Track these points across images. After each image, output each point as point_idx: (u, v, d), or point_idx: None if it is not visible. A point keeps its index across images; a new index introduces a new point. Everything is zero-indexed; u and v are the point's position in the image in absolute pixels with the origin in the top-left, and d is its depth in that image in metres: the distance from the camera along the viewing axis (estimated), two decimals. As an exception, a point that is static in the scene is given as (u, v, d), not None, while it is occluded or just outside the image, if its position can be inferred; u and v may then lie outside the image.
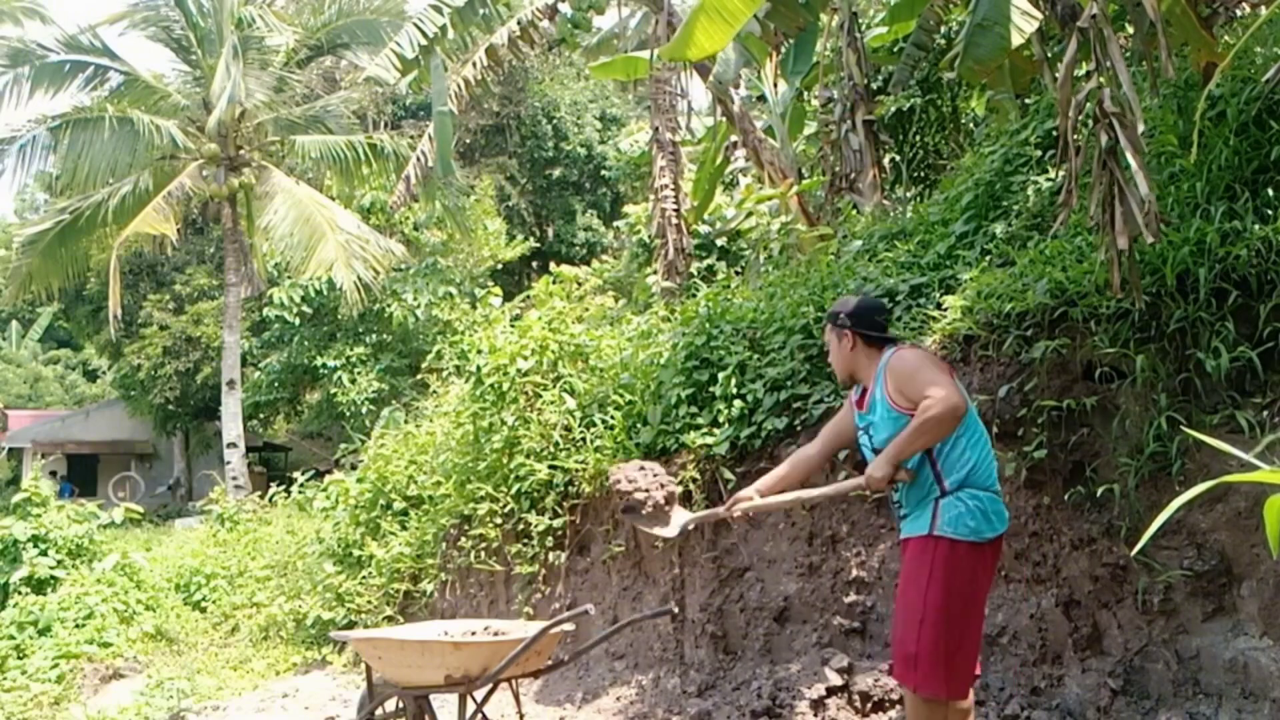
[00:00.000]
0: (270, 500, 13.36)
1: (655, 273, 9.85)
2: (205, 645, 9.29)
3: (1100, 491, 3.72)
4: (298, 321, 19.59)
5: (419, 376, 14.99)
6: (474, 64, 10.23)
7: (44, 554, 10.47)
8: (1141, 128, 3.53)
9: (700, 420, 5.39)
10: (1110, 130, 3.49)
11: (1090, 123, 3.63)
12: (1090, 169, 3.65)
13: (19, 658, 8.91)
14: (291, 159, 18.42)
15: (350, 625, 7.68)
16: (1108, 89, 3.53)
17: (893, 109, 9.82)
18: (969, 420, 3.21)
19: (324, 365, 19.07)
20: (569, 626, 4.02)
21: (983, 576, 3.19)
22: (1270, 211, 3.58)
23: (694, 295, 6.73)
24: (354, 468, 10.40)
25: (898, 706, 4.29)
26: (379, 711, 4.26)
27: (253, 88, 17.13)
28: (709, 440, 5.24)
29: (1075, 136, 3.68)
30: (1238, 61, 4.07)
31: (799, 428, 4.98)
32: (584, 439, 6.19)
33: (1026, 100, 6.78)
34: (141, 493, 26.89)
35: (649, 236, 11.14)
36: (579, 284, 8.02)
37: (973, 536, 3.12)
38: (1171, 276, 3.60)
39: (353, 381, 18.73)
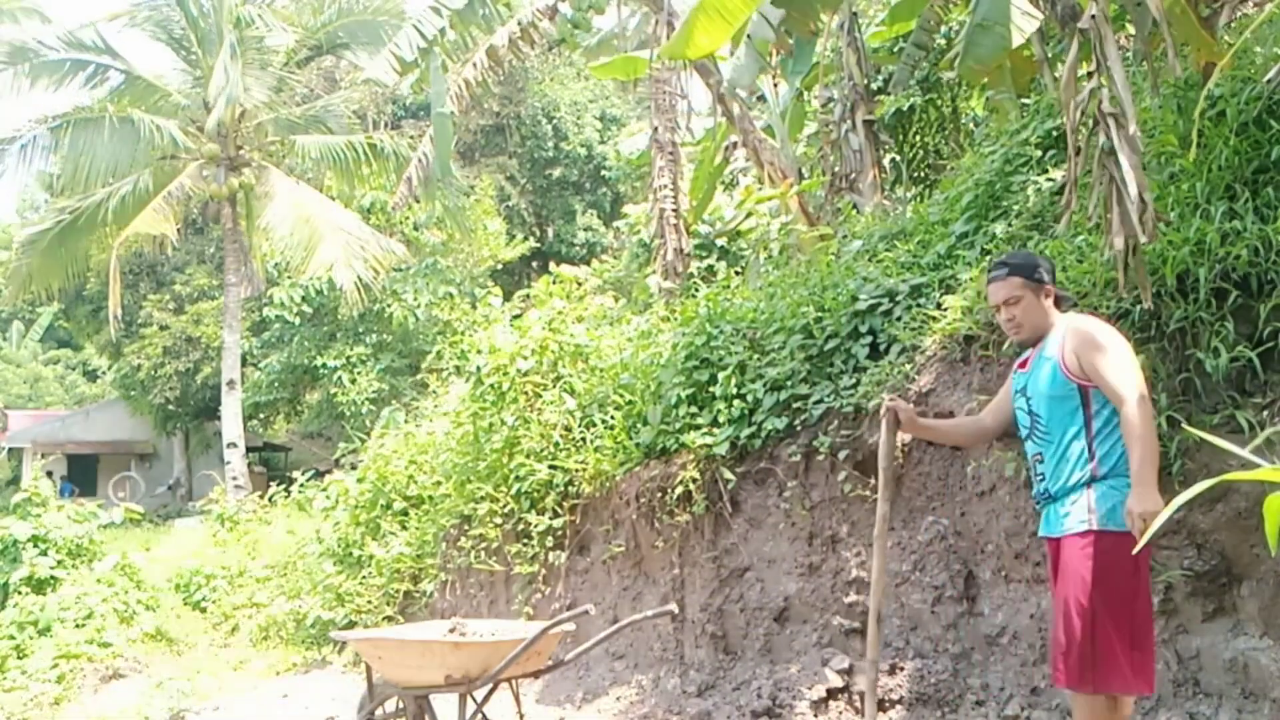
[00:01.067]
0: (270, 500, 13.37)
1: (655, 273, 9.85)
2: (205, 645, 9.30)
3: (1100, 491, 3.71)
4: (298, 321, 19.59)
5: (419, 376, 15.03)
6: (474, 65, 10.22)
7: (44, 554, 10.47)
8: (1134, 128, 3.52)
9: (700, 420, 5.38)
10: (1108, 131, 3.49)
11: (1091, 123, 3.62)
12: (1090, 169, 3.65)
13: (19, 658, 8.91)
14: (291, 159, 18.42)
15: (350, 625, 7.69)
16: (1106, 89, 3.53)
17: (893, 109, 9.81)
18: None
19: (324, 365, 19.08)
20: (569, 626, 4.02)
21: (1144, 567, 3.03)
22: (1270, 211, 3.58)
23: (694, 295, 6.73)
24: (354, 468, 10.41)
25: (898, 707, 4.29)
26: (379, 711, 4.26)
27: (252, 87, 17.14)
28: (709, 440, 5.23)
29: (1076, 138, 3.68)
30: (1238, 61, 4.06)
31: (799, 428, 4.98)
32: (584, 439, 6.19)
33: (1026, 100, 6.78)
34: (141, 493, 26.89)
35: (649, 236, 11.14)
36: (579, 284, 8.02)
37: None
38: (1171, 276, 3.60)
39: (353, 381, 18.73)
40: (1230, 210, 3.67)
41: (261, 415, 22.82)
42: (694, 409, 5.48)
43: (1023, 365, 3.33)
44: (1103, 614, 2.93)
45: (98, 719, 7.43)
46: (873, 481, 4.34)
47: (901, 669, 4.37)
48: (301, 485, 12.91)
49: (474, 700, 3.98)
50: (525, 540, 6.35)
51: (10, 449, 28.52)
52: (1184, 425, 3.46)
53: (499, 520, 6.56)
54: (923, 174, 10.10)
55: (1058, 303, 3.28)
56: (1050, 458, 3.13)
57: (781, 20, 6.22)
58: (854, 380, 4.84)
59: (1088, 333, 3.07)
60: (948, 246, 5.24)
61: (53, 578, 10.25)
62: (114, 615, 9.55)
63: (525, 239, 22.73)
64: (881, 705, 4.32)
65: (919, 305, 4.81)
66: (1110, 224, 3.47)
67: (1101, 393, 3.02)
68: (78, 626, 9.27)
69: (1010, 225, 5.04)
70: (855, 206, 7.66)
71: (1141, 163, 3.53)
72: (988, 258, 4.90)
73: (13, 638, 9.17)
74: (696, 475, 5.27)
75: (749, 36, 8.26)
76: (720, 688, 5.04)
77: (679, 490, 5.34)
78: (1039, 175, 5.19)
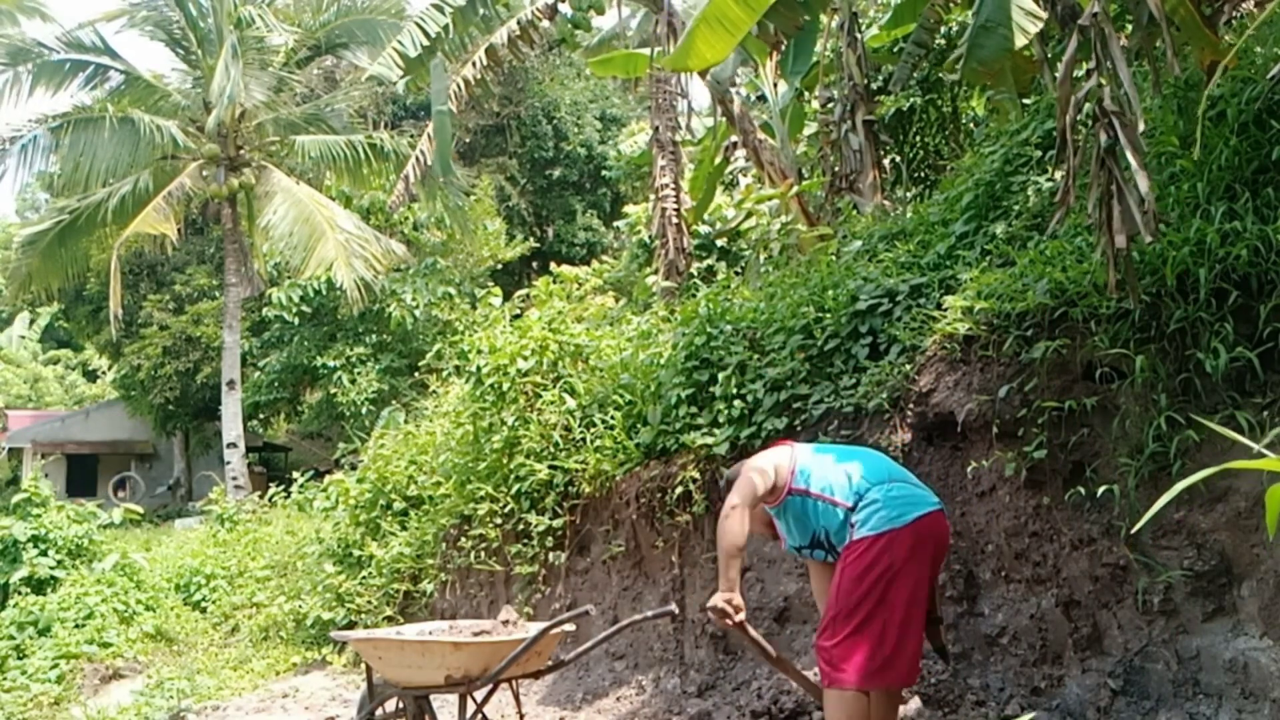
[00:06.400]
0: (270, 500, 13.37)
1: (655, 273, 9.85)
2: (205, 645, 9.30)
3: (1100, 491, 3.72)
4: (298, 321, 19.57)
5: (419, 376, 15.02)
6: (474, 64, 10.22)
7: (44, 554, 10.49)
8: (1142, 126, 3.52)
9: (700, 420, 5.38)
10: (1109, 129, 3.49)
11: (1090, 122, 3.62)
12: (1089, 168, 3.64)
13: (19, 658, 8.92)
14: (291, 159, 18.42)
15: (350, 625, 7.69)
16: (1108, 87, 3.52)
17: (893, 109, 9.81)
18: (829, 451, 3.66)
19: (324, 365, 19.05)
20: (569, 627, 4.02)
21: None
22: (1270, 211, 3.58)
23: (694, 295, 6.73)
24: (354, 468, 10.41)
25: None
26: (379, 711, 4.26)
27: (252, 88, 17.15)
28: (709, 440, 5.23)
29: (1075, 136, 3.67)
30: (1238, 61, 4.06)
31: (799, 428, 4.98)
32: (584, 439, 6.19)
33: (1027, 100, 6.77)
34: (141, 493, 26.88)
35: (649, 236, 11.14)
36: (579, 284, 8.02)
37: (888, 526, 3.37)
38: (1171, 276, 3.59)
39: (353, 381, 18.71)
40: (1230, 210, 3.67)
41: (261, 415, 22.80)
42: (694, 409, 5.48)
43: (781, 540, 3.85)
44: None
45: (98, 719, 7.43)
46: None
47: (901, 669, 4.36)
48: (301, 485, 12.91)
49: (474, 700, 3.98)
50: (525, 540, 6.35)
51: (10, 449, 28.50)
52: (1184, 426, 3.46)
53: (499, 520, 6.56)
54: (923, 174, 10.10)
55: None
56: (835, 537, 3.54)
57: (766, 13, 6.16)
58: (854, 380, 4.84)
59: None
60: (948, 247, 5.24)
61: (53, 578, 10.27)
62: (114, 615, 9.56)
63: (525, 239, 22.71)
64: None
65: (919, 305, 4.81)
66: (1111, 223, 3.46)
67: (805, 477, 3.56)
68: (78, 626, 9.28)
69: (1010, 225, 5.04)
70: (855, 206, 7.65)
71: (1145, 161, 3.52)
72: (987, 258, 4.91)
73: (13, 638, 9.18)
74: (696, 475, 5.27)
75: None
76: (720, 688, 5.04)
77: (679, 490, 5.34)
78: (1039, 175, 5.19)
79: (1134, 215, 3.38)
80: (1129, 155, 3.41)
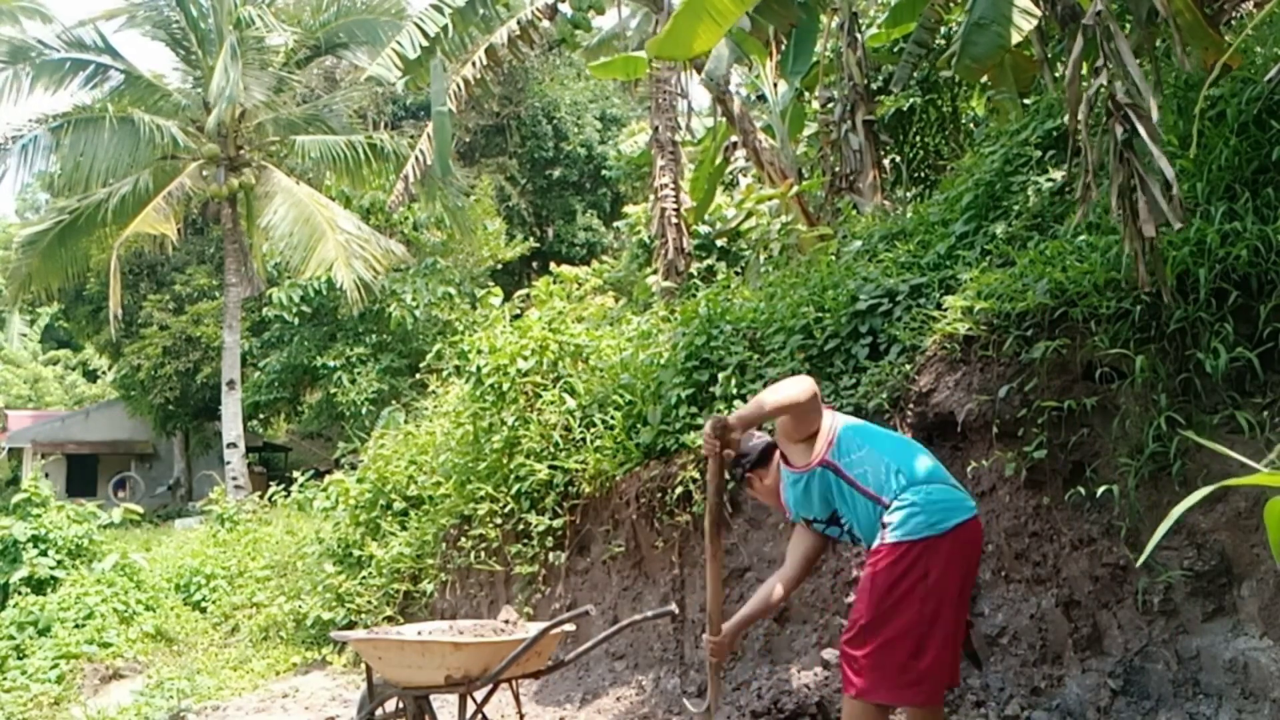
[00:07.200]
0: (270, 500, 13.37)
1: (655, 273, 9.85)
2: (205, 645, 9.30)
3: (1100, 491, 3.72)
4: (297, 321, 19.58)
5: (419, 376, 15.04)
6: (474, 64, 10.23)
7: (44, 554, 10.49)
8: (1156, 115, 3.49)
9: (700, 420, 5.37)
10: (1125, 122, 3.47)
11: (1104, 118, 3.60)
12: (1104, 164, 3.62)
13: (19, 658, 8.92)
14: (291, 159, 18.43)
15: (350, 625, 7.69)
16: (1118, 82, 3.52)
17: (893, 109, 9.81)
18: (871, 433, 3.34)
19: (324, 365, 19.06)
20: (569, 627, 4.02)
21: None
22: (1270, 211, 3.58)
23: (694, 295, 6.73)
24: (354, 468, 10.41)
25: (898, 707, 4.28)
26: (379, 711, 4.26)
27: (252, 88, 17.16)
28: (709, 440, 5.22)
29: (1084, 133, 3.66)
30: (1240, 60, 4.06)
31: (799, 428, 4.98)
32: (584, 439, 6.19)
33: (1027, 100, 6.77)
34: (141, 493, 26.88)
35: (649, 236, 11.14)
36: (579, 284, 8.02)
37: (928, 532, 3.10)
38: (1171, 276, 3.59)
39: (353, 381, 18.72)
40: (1230, 210, 3.67)
41: (261, 415, 22.82)
42: (694, 409, 5.48)
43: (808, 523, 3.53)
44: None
45: (98, 719, 7.43)
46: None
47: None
48: (301, 485, 12.92)
49: (474, 700, 3.98)
50: (525, 540, 6.35)
51: (10, 449, 28.50)
52: (1183, 427, 3.46)
53: (499, 520, 6.56)
54: (923, 174, 10.10)
55: (769, 457, 3.50)
56: (853, 524, 3.37)
57: (758, 9, 6.16)
58: (854, 380, 4.84)
59: (782, 445, 3.39)
60: (948, 247, 5.24)
61: (53, 578, 10.27)
62: (114, 615, 9.56)
63: (525, 239, 22.73)
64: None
65: (919, 305, 4.81)
66: (1136, 214, 3.43)
67: (842, 452, 3.26)
68: (78, 626, 9.28)
69: (1010, 225, 5.04)
70: (855, 206, 7.65)
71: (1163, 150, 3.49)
72: (988, 258, 4.91)
73: (13, 638, 9.18)
74: (696, 475, 5.27)
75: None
76: (720, 688, 5.04)
77: (679, 490, 5.34)
78: (1039, 175, 5.19)
79: (1160, 204, 3.35)
80: (1150, 145, 3.39)
